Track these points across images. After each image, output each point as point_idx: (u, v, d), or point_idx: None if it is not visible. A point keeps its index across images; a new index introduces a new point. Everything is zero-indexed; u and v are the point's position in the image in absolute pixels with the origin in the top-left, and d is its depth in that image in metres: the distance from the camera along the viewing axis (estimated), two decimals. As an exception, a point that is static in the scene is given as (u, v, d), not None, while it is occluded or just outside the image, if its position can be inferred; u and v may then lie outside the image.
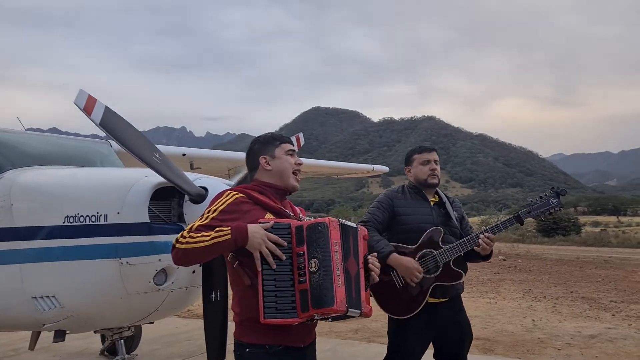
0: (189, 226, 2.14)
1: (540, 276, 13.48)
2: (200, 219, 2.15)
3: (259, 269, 1.99)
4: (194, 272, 3.34)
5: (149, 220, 3.22)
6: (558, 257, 18.84)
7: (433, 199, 3.38)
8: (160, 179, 3.20)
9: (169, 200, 3.44)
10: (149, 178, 3.30)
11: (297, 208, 2.44)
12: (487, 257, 3.22)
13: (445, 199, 3.40)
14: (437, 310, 3.20)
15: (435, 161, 3.35)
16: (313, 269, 1.97)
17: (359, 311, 2.07)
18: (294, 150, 2.34)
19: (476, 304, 9.11)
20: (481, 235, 3.11)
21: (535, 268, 15.33)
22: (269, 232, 2.03)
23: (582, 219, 40.52)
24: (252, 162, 2.35)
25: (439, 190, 3.43)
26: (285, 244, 2.02)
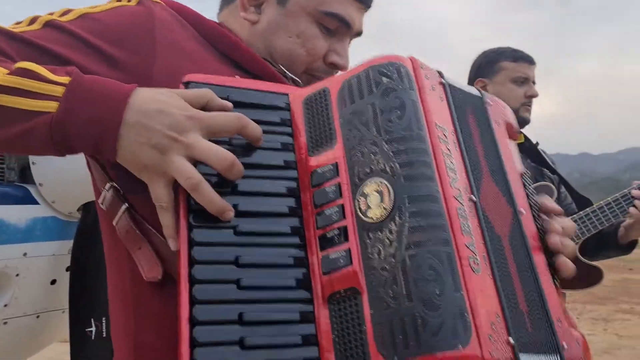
0: None
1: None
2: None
3: (182, 232, 0.50)
4: (53, 282, 1.88)
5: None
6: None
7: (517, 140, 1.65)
8: None
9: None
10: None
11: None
12: (629, 248, 1.93)
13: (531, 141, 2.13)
14: None
15: (534, 82, 2.12)
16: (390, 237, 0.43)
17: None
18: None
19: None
20: (635, 192, 1.80)
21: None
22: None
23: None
24: None
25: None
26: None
